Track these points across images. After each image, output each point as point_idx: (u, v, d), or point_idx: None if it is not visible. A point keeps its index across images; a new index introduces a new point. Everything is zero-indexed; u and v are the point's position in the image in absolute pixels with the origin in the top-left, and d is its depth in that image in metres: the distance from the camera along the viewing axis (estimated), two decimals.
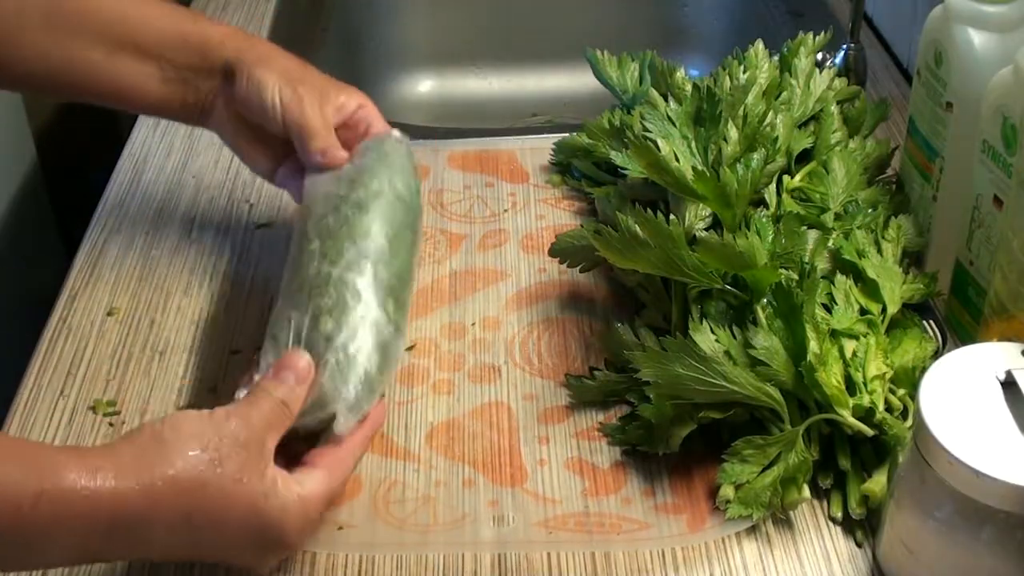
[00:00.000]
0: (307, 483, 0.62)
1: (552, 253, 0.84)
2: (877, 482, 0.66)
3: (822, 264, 0.76)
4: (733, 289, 0.72)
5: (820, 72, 0.90)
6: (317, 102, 0.77)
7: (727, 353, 0.69)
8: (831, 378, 0.67)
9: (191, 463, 0.58)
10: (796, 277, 0.73)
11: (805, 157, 0.86)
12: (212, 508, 0.58)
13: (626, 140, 0.83)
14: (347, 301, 0.68)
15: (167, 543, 0.58)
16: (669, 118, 0.83)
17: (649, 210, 0.72)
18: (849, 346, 0.70)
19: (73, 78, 0.79)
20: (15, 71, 0.78)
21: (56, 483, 0.55)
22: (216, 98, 0.79)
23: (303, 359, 0.65)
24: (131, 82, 0.78)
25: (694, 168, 0.77)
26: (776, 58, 0.92)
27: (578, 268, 0.84)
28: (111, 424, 0.76)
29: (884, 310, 0.74)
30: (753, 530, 0.68)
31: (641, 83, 0.98)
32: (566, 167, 0.98)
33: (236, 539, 0.60)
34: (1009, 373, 0.59)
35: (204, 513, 0.58)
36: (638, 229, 0.71)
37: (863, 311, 0.73)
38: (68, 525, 0.55)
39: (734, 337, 0.70)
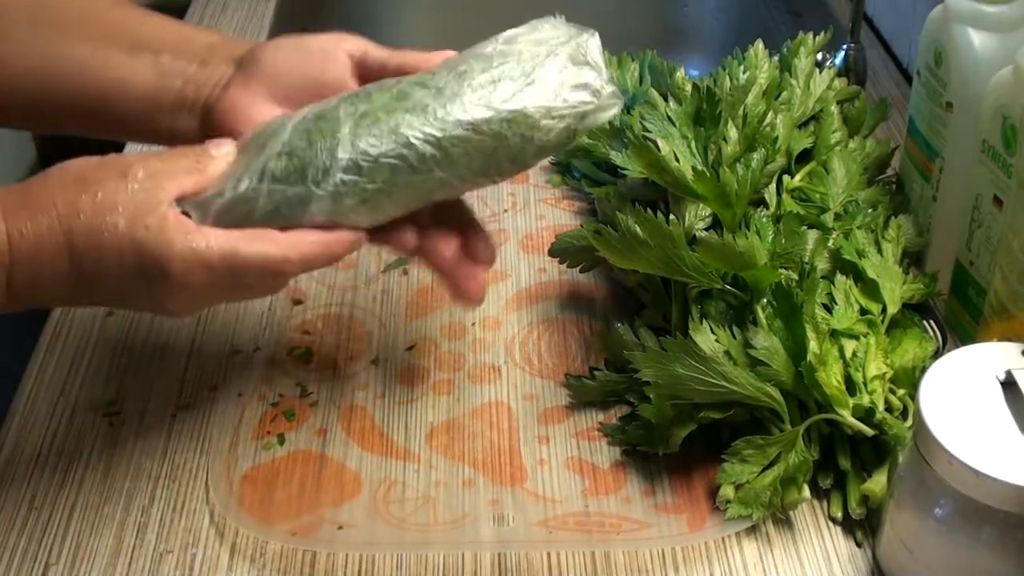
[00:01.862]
0: (212, 235, 0.61)
1: (552, 253, 0.84)
2: (877, 482, 0.66)
3: (822, 264, 0.76)
4: (733, 289, 0.72)
5: (820, 72, 0.90)
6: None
7: (727, 353, 0.69)
8: (831, 378, 0.67)
9: (69, 192, 0.60)
10: (796, 277, 0.73)
11: (805, 157, 0.86)
12: (89, 235, 0.59)
13: (626, 140, 0.83)
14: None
15: (59, 279, 0.60)
16: (669, 118, 0.83)
17: (649, 210, 0.72)
18: (849, 346, 0.70)
19: (58, 76, 0.74)
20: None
21: None
22: (226, 88, 0.71)
23: (229, 144, 0.65)
24: (120, 75, 0.73)
25: (694, 168, 0.77)
26: (776, 58, 0.92)
27: (578, 268, 0.84)
28: (111, 424, 0.76)
29: (884, 310, 0.74)
30: (753, 530, 0.68)
31: (641, 83, 0.98)
32: (566, 167, 0.99)
33: (119, 273, 0.60)
34: (1009, 373, 0.59)
35: (84, 239, 0.59)
36: (638, 229, 0.71)
37: (863, 311, 0.73)
38: None
39: (734, 337, 0.70)
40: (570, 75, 0.65)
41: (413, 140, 0.63)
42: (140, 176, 0.61)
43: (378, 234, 0.67)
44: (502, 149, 0.64)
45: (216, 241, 0.61)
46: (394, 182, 0.63)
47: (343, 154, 0.63)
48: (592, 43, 0.67)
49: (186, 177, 0.62)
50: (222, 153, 0.65)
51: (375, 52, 0.70)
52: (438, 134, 0.63)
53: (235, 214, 0.63)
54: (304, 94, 0.69)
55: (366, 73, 0.70)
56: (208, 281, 0.61)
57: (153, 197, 0.60)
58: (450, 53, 0.70)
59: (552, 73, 0.65)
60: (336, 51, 0.70)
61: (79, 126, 0.77)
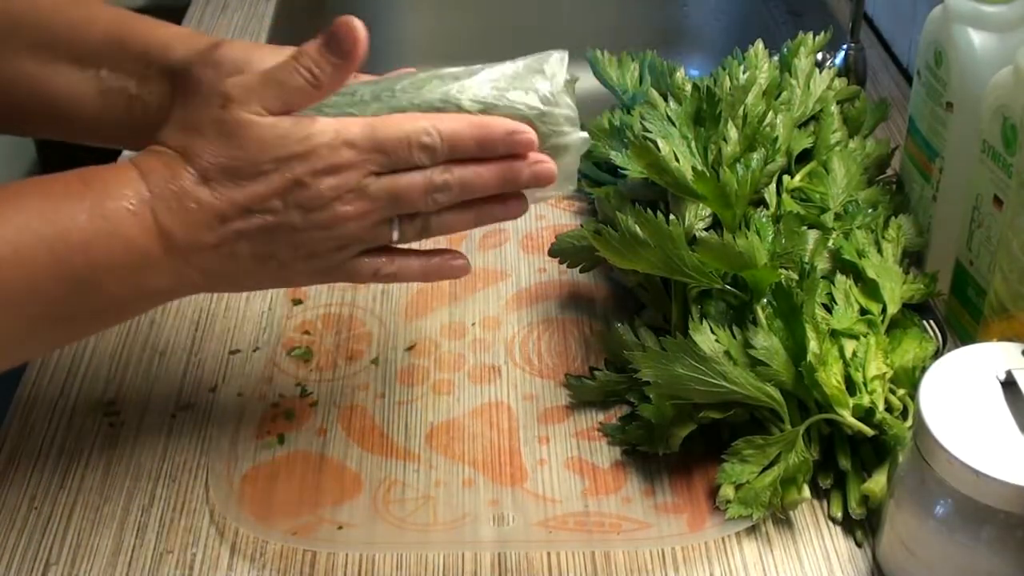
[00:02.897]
0: (343, 119, 0.61)
1: (552, 253, 0.84)
2: (877, 482, 0.66)
3: (822, 264, 0.76)
4: (733, 289, 0.72)
5: (820, 72, 0.90)
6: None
7: (727, 353, 0.69)
8: (831, 378, 0.67)
9: (187, 138, 0.61)
10: (796, 277, 0.73)
11: (805, 157, 0.86)
12: (224, 155, 0.60)
13: (626, 140, 0.83)
14: None
15: (204, 208, 0.60)
16: (669, 118, 0.83)
17: (649, 210, 0.72)
18: (849, 346, 0.70)
19: (10, 91, 0.71)
20: None
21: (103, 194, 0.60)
22: (169, 111, 0.66)
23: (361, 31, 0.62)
24: (67, 93, 0.70)
25: (694, 168, 0.77)
26: (776, 58, 0.92)
27: (578, 268, 0.84)
28: (111, 424, 0.76)
29: (884, 310, 0.74)
30: (753, 530, 0.68)
31: (641, 83, 0.98)
32: None
33: (261, 176, 0.60)
34: (1009, 373, 0.59)
35: (216, 165, 0.60)
36: (638, 229, 0.71)
37: (863, 311, 0.73)
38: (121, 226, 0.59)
39: (734, 337, 0.70)
40: (518, 78, 0.64)
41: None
42: (238, 97, 0.60)
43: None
44: None
45: (352, 121, 0.61)
46: None
47: None
48: (554, 57, 0.66)
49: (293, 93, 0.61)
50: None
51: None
52: (357, 114, 0.63)
53: None
54: None
55: None
56: (352, 160, 0.60)
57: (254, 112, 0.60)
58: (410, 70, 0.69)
59: (498, 73, 0.64)
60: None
61: (50, 134, 0.76)
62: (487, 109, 0.63)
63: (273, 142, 0.60)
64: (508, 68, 0.64)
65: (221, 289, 0.67)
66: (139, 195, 0.60)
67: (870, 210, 0.81)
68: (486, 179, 0.63)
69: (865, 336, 0.71)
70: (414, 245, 0.66)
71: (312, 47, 0.61)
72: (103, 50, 0.71)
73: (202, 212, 0.60)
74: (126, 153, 1.03)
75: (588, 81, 1.03)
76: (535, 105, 0.63)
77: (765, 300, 0.71)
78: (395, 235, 0.64)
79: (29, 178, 0.62)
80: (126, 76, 0.70)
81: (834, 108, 0.88)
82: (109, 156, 1.03)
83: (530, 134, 0.63)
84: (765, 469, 0.67)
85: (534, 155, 0.63)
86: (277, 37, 1.22)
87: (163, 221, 0.60)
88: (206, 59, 0.65)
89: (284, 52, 0.65)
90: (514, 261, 0.90)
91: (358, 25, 0.62)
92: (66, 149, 1.29)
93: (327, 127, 0.61)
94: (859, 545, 0.67)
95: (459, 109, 0.63)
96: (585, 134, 0.65)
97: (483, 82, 0.63)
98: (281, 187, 0.61)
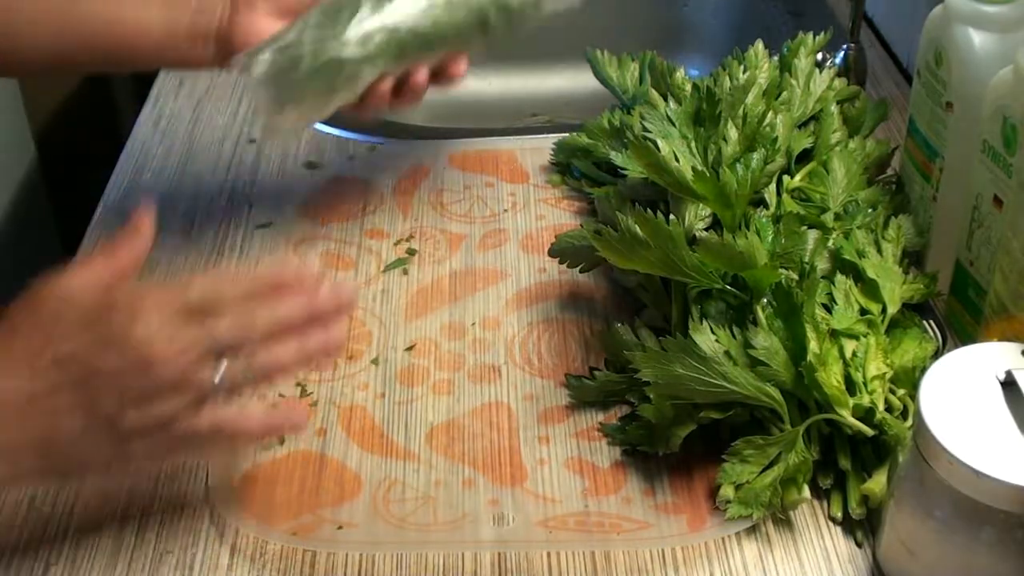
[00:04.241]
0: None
1: (552, 253, 0.84)
2: (877, 482, 0.66)
3: (822, 264, 0.76)
4: (733, 289, 0.72)
5: (820, 72, 0.90)
6: None
7: (727, 353, 0.69)
8: (831, 378, 0.67)
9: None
10: (796, 277, 0.73)
11: (805, 157, 0.86)
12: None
13: (626, 140, 0.83)
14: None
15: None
16: (669, 118, 0.83)
17: (649, 210, 0.72)
18: (849, 346, 0.70)
19: (76, 28, 0.77)
20: (14, 26, 0.77)
21: None
22: (232, 14, 0.77)
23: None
24: (133, 21, 0.77)
25: (694, 168, 0.77)
26: (776, 58, 0.92)
27: (578, 268, 0.84)
28: None
29: (884, 310, 0.74)
30: (753, 530, 0.68)
31: (641, 83, 0.98)
32: (566, 167, 0.99)
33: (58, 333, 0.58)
34: (1009, 373, 0.59)
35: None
36: (638, 229, 0.71)
37: (863, 311, 0.73)
38: None
39: (734, 337, 0.70)
40: None
41: None
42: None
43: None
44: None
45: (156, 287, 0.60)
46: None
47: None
48: None
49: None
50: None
51: None
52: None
53: (279, 67, 0.74)
54: (305, 5, 0.77)
55: None
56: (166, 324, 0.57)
57: None
58: None
59: None
60: None
61: (99, 67, 0.82)
62: None
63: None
64: None
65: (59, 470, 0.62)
66: None
67: (870, 210, 0.81)
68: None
69: (865, 336, 0.71)
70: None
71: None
72: None
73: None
74: (138, 133, 1.04)
75: (588, 81, 1.04)
76: None
77: (765, 300, 0.71)
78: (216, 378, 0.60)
79: None
80: None
81: (834, 108, 0.88)
82: (109, 149, 1.04)
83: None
84: (765, 469, 0.67)
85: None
86: None
87: None
88: None
89: None
90: (514, 261, 0.90)
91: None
92: (66, 149, 1.29)
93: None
94: (859, 545, 0.67)
95: None
96: None
97: None
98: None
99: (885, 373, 0.70)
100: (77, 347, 0.57)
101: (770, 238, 0.76)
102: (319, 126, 1.06)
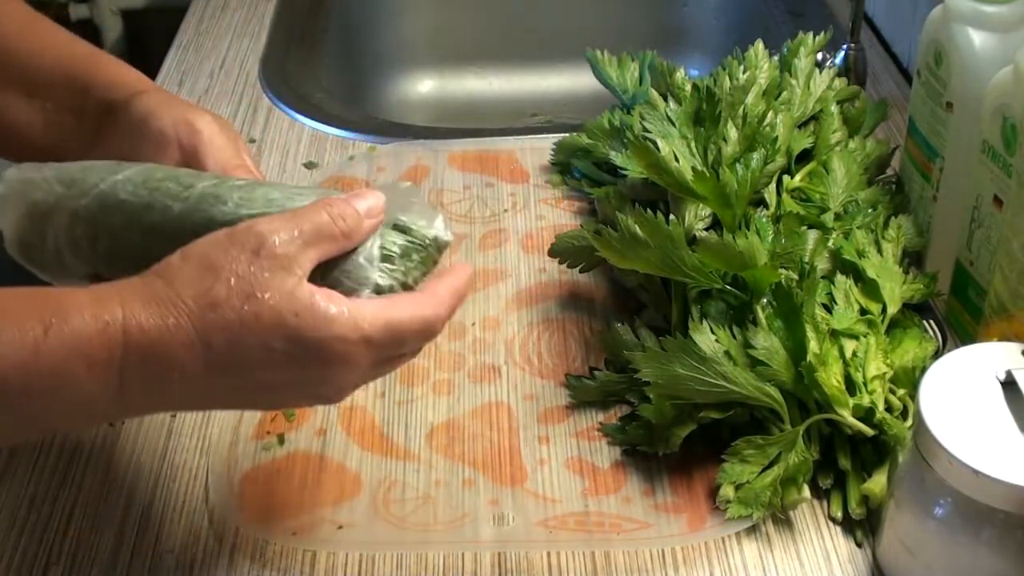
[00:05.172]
0: (366, 306, 0.56)
1: (552, 253, 0.84)
2: (877, 482, 0.66)
3: (822, 264, 0.76)
4: (733, 289, 0.72)
5: (820, 72, 0.90)
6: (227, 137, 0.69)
7: (727, 353, 0.69)
8: (831, 378, 0.67)
9: (197, 282, 0.53)
10: (796, 277, 0.73)
11: (805, 157, 0.86)
12: (230, 329, 0.53)
13: (626, 140, 0.83)
14: None
15: (188, 379, 0.54)
16: (669, 118, 0.83)
17: (649, 210, 0.72)
18: (849, 346, 0.70)
19: None
20: None
21: (62, 316, 0.52)
22: (105, 136, 0.69)
23: (376, 196, 0.59)
24: (18, 120, 0.71)
25: (694, 168, 0.77)
26: (776, 58, 0.92)
27: (578, 268, 0.84)
28: (111, 424, 0.76)
29: (884, 310, 0.74)
30: (753, 530, 0.68)
31: (641, 83, 0.98)
32: (566, 167, 0.98)
33: (267, 367, 0.54)
34: (1009, 373, 0.59)
35: (221, 336, 0.53)
36: (638, 229, 0.71)
37: (863, 311, 0.73)
38: (75, 365, 0.52)
39: (734, 337, 0.70)
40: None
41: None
42: (277, 249, 0.55)
43: None
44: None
45: (371, 312, 0.56)
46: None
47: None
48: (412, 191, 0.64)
49: (329, 244, 0.57)
50: (369, 208, 0.59)
51: (214, 155, 0.66)
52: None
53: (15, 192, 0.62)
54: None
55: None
56: (370, 356, 0.56)
57: (292, 275, 0.55)
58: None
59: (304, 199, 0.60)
60: (169, 143, 0.67)
61: (3, 155, 0.76)
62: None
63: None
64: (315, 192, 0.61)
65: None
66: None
67: (870, 210, 0.81)
68: None
69: (865, 336, 0.71)
70: None
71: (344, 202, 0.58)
72: (53, 79, 0.71)
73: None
74: None
75: (588, 81, 1.04)
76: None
77: (765, 300, 0.71)
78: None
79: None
80: (67, 113, 0.70)
81: (834, 108, 0.88)
82: None
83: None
84: (765, 469, 0.67)
85: None
86: (277, 37, 1.22)
87: (130, 375, 0.54)
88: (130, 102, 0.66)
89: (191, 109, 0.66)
90: (514, 261, 0.90)
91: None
92: None
93: (346, 330, 0.55)
94: (859, 545, 0.67)
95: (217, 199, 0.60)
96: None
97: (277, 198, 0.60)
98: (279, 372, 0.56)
99: (885, 373, 0.70)
100: (281, 380, 0.56)
101: (770, 238, 0.76)
102: (319, 126, 1.06)
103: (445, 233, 0.62)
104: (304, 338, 0.54)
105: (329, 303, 0.55)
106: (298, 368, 0.55)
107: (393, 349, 0.58)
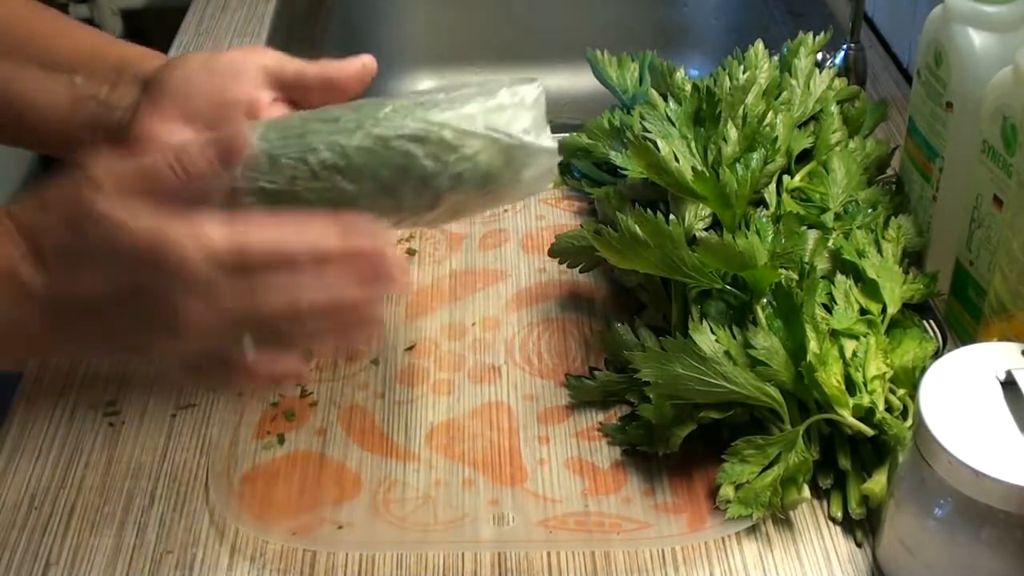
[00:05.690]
0: (215, 216, 0.55)
1: (552, 253, 0.84)
2: (877, 482, 0.66)
3: (822, 264, 0.76)
4: (733, 289, 0.72)
5: (820, 72, 0.90)
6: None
7: (727, 353, 0.69)
8: (831, 378, 0.67)
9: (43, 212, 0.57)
10: (796, 277, 0.73)
11: (805, 157, 0.86)
12: (55, 231, 0.56)
13: (626, 140, 0.83)
14: None
15: (22, 302, 0.56)
16: (669, 118, 0.83)
17: (649, 210, 0.72)
18: (849, 346, 0.70)
19: None
20: None
21: None
22: (136, 111, 0.70)
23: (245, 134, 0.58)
24: (37, 95, 0.72)
25: (694, 168, 0.77)
26: (776, 58, 0.92)
27: (578, 268, 0.84)
28: (111, 424, 0.76)
29: (884, 310, 0.74)
30: (753, 530, 0.68)
31: (641, 83, 0.97)
32: (566, 167, 0.98)
33: (95, 264, 0.55)
34: (1009, 373, 0.59)
35: (55, 241, 0.56)
36: (638, 229, 0.71)
37: (863, 311, 0.73)
38: None
39: (734, 337, 0.70)
40: (496, 108, 0.63)
41: (317, 145, 0.61)
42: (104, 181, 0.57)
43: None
44: (413, 169, 0.61)
45: (218, 221, 0.55)
46: (294, 185, 0.61)
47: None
48: (529, 89, 0.64)
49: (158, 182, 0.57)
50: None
51: (290, 64, 0.69)
52: (343, 142, 0.61)
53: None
54: (211, 112, 0.68)
55: (284, 84, 0.69)
56: (211, 273, 0.54)
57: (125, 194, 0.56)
58: (367, 57, 0.70)
59: (478, 104, 0.63)
60: (245, 66, 0.69)
61: (11, 141, 0.76)
62: (465, 136, 0.62)
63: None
64: (490, 100, 0.63)
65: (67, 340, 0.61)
66: None
67: (870, 210, 0.81)
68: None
69: (865, 336, 0.71)
70: None
71: (196, 146, 0.58)
72: (76, 58, 0.72)
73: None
74: None
75: (588, 81, 1.04)
76: (513, 136, 0.62)
77: (765, 300, 0.71)
78: (249, 355, 0.58)
79: None
80: (99, 83, 0.71)
81: (834, 108, 0.88)
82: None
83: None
84: (765, 469, 0.67)
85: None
86: (277, 37, 1.22)
87: None
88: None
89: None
90: (514, 261, 0.90)
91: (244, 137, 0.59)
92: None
93: (186, 237, 0.55)
94: (859, 545, 0.67)
95: (440, 140, 0.61)
96: (554, 145, 0.64)
97: (463, 114, 0.62)
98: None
99: (885, 373, 0.70)
100: (115, 285, 0.56)
101: (770, 238, 0.76)
102: None
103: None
104: (133, 230, 0.54)
105: (172, 220, 0.55)
106: (126, 271, 0.55)
107: (244, 275, 0.55)
